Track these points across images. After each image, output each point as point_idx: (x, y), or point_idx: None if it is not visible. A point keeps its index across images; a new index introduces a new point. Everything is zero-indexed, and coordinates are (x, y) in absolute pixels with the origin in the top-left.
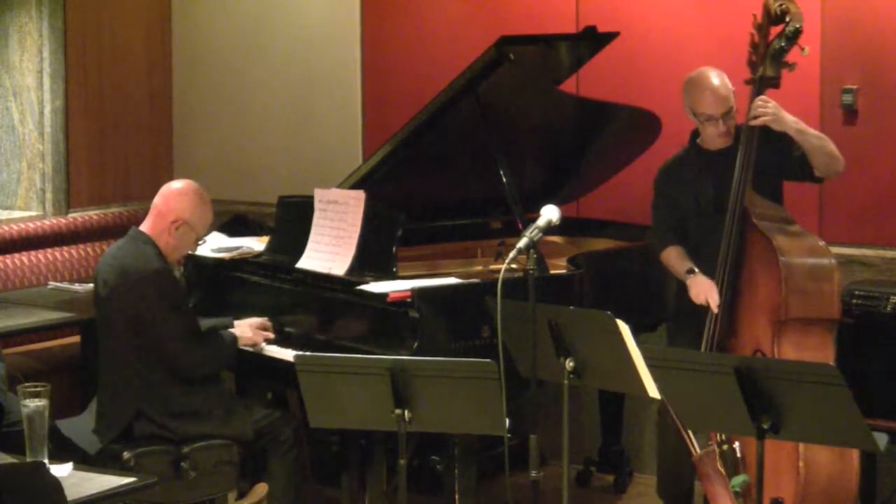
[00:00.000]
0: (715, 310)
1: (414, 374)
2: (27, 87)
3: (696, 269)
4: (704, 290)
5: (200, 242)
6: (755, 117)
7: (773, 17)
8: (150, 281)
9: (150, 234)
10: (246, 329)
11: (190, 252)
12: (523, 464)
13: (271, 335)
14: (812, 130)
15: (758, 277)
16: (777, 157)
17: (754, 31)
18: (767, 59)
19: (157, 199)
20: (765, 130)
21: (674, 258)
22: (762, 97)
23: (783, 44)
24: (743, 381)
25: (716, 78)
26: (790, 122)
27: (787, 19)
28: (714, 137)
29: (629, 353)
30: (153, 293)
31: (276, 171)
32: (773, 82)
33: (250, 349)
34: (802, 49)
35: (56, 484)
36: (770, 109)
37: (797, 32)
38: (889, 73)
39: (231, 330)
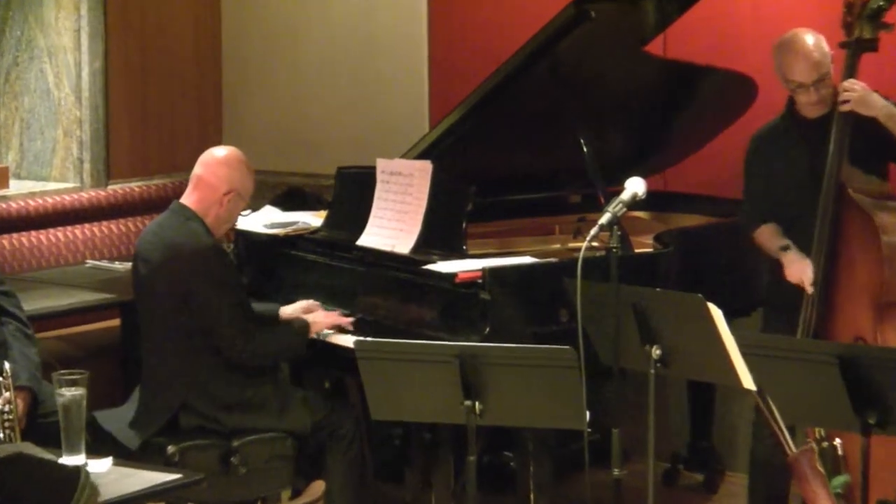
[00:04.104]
0: (809, 290)
1: (485, 361)
2: (63, 47)
3: (792, 245)
4: (799, 269)
5: (244, 214)
6: (841, 102)
7: None
8: (200, 258)
9: (196, 208)
10: (320, 315)
11: (234, 224)
12: (605, 461)
13: (346, 321)
14: None
15: (857, 258)
16: (873, 141)
17: None
18: (863, 20)
19: (199, 170)
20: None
21: (766, 236)
22: (850, 80)
23: (881, 3)
24: (847, 371)
25: (810, 41)
26: (879, 106)
27: None
28: (806, 105)
29: (721, 340)
30: (205, 271)
31: (335, 139)
32: (870, 45)
33: (315, 335)
34: None
35: (69, 477)
36: (855, 94)
37: None
38: None
39: (303, 316)
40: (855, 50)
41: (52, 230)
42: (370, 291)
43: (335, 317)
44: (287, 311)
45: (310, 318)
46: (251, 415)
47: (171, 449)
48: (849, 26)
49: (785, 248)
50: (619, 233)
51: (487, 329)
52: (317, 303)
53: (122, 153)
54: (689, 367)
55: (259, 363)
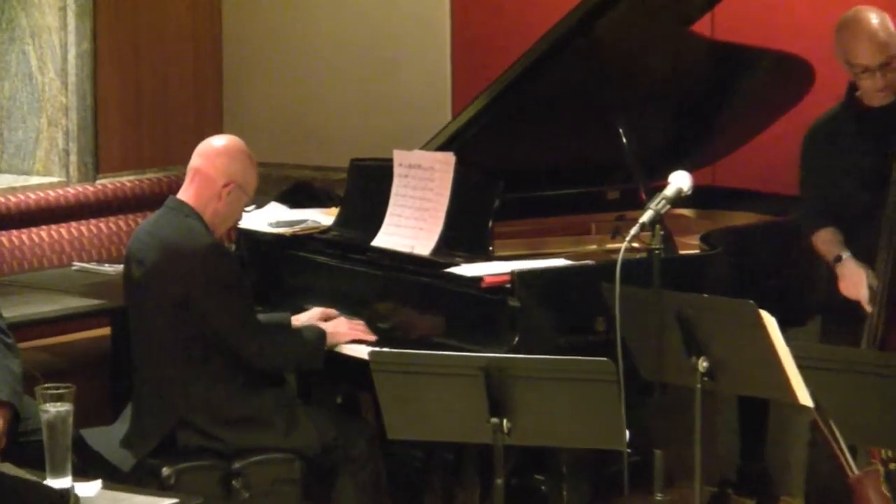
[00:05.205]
0: (867, 308)
1: (514, 374)
2: (47, 27)
3: (846, 255)
4: (855, 283)
5: (248, 210)
6: None
7: None
8: (200, 259)
9: (193, 203)
10: (343, 325)
11: (237, 222)
12: (646, 484)
13: (371, 337)
14: None
15: None
16: None
17: None
18: None
19: (196, 161)
20: None
21: (822, 243)
22: None
23: None
24: None
25: (875, 21)
26: None
27: None
28: (871, 92)
29: (775, 351)
30: (205, 273)
31: (347, 128)
32: None
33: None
34: None
35: (57, 501)
36: None
37: None
38: None
39: (321, 325)
40: None
41: (35, 229)
42: (386, 297)
43: (359, 331)
44: (301, 319)
45: (329, 326)
46: (255, 432)
47: (166, 471)
48: None
49: (838, 259)
50: (661, 232)
51: (516, 339)
52: (334, 311)
53: (113, 144)
54: (740, 381)
55: (273, 366)
